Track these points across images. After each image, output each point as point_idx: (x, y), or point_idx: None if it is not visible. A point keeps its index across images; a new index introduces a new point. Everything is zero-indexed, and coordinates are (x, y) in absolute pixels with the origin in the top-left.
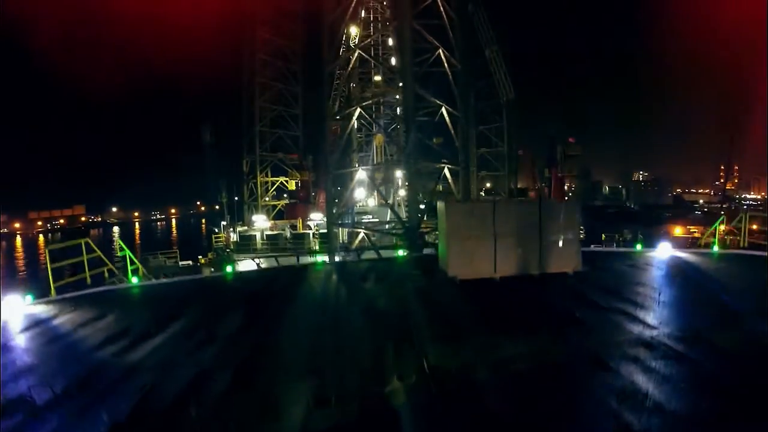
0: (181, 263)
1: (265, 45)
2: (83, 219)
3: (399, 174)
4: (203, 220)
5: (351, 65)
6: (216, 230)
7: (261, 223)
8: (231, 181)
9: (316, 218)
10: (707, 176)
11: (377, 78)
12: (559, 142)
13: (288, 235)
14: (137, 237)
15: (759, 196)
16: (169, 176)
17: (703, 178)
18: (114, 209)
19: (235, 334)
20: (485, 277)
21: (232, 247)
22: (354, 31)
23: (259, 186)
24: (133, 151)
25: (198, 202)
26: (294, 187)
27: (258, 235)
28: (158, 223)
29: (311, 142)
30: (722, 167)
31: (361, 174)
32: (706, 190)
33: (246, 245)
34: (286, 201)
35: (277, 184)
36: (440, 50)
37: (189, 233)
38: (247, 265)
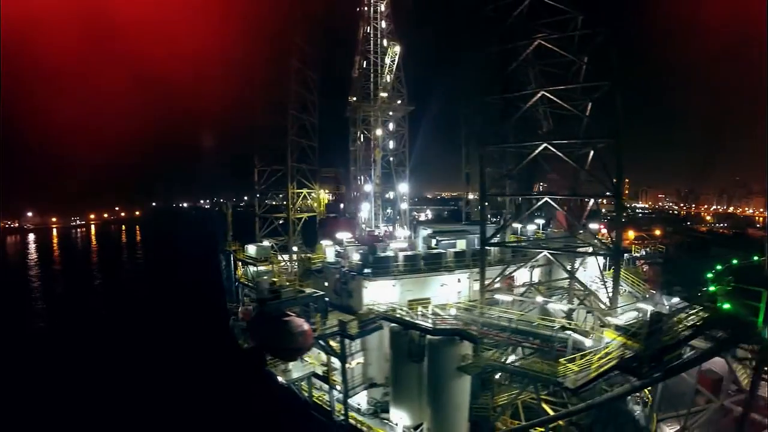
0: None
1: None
2: None
3: None
4: (123, 227)
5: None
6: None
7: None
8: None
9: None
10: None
11: (383, 94)
12: None
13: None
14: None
15: (647, 205)
16: (87, 178)
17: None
18: (30, 214)
19: None
20: None
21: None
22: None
23: (288, 198)
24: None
25: (117, 208)
26: (327, 201)
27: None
28: (78, 229)
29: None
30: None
31: None
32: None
33: (384, 267)
34: (323, 214)
35: (302, 196)
36: None
37: (120, 245)
38: (380, 289)
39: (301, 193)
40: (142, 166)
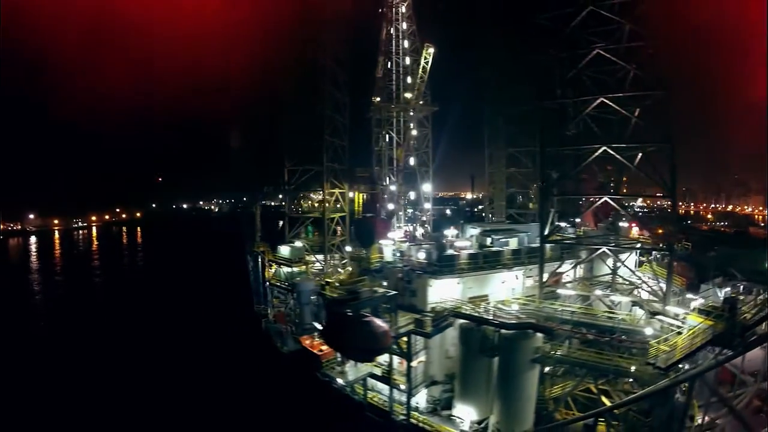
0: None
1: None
2: (1, 227)
3: None
4: (124, 229)
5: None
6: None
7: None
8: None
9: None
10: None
11: (407, 95)
12: None
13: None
14: (97, 247)
15: (645, 204)
16: (86, 179)
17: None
18: (31, 216)
19: None
20: None
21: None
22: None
23: (324, 198)
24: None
25: (118, 209)
26: (362, 201)
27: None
28: (80, 231)
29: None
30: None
31: None
32: None
33: (450, 265)
34: (359, 214)
35: (335, 196)
36: None
37: (125, 247)
38: (445, 287)
39: (335, 192)
40: (142, 168)
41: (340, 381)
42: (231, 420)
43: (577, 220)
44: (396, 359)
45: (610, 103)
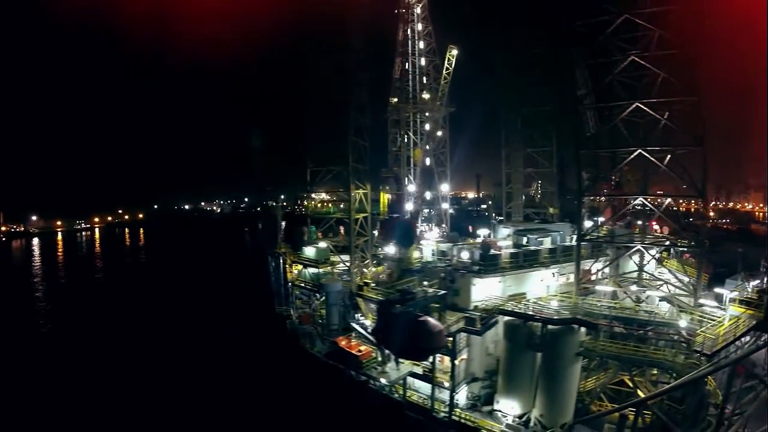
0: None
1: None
2: (3, 229)
3: None
4: (126, 230)
5: None
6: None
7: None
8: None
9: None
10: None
11: (425, 96)
12: None
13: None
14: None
15: (646, 203)
16: (88, 179)
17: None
18: (34, 218)
19: None
20: None
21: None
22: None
23: (351, 199)
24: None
25: (120, 210)
26: (386, 202)
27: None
28: (83, 233)
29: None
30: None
31: None
32: None
33: (493, 264)
34: (385, 215)
35: (358, 197)
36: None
37: (130, 248)
38: (487, 286)
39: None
40: (143, 169)
41: (382, 381)
42: (269, 419)
43: (600, 219)
44: (437, 357)
45: (645, 108)
